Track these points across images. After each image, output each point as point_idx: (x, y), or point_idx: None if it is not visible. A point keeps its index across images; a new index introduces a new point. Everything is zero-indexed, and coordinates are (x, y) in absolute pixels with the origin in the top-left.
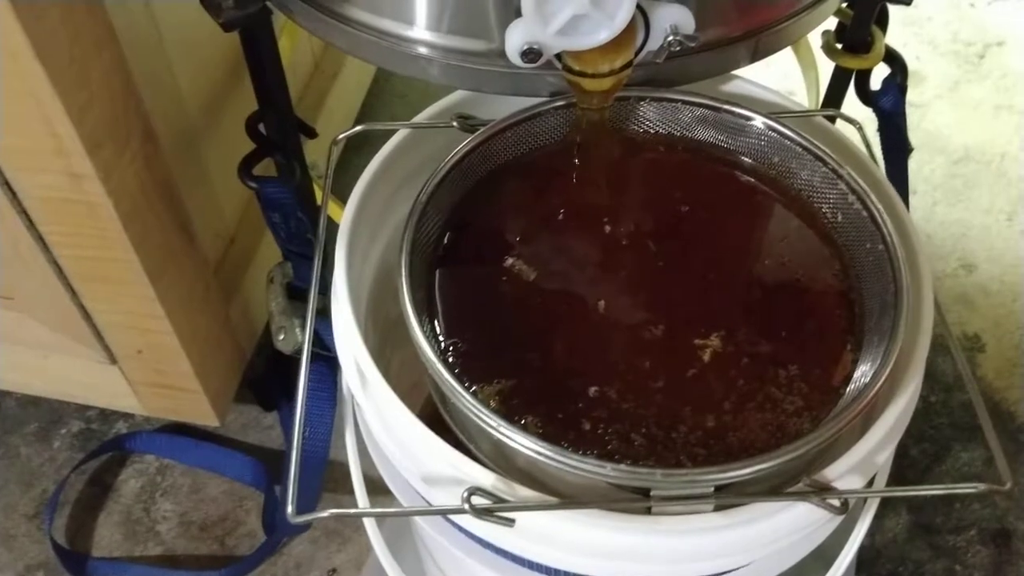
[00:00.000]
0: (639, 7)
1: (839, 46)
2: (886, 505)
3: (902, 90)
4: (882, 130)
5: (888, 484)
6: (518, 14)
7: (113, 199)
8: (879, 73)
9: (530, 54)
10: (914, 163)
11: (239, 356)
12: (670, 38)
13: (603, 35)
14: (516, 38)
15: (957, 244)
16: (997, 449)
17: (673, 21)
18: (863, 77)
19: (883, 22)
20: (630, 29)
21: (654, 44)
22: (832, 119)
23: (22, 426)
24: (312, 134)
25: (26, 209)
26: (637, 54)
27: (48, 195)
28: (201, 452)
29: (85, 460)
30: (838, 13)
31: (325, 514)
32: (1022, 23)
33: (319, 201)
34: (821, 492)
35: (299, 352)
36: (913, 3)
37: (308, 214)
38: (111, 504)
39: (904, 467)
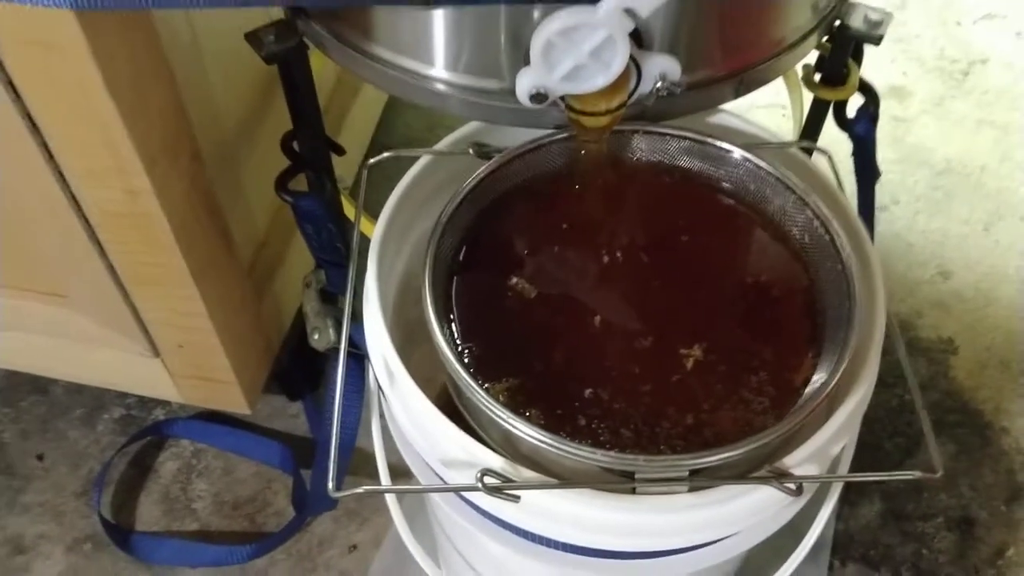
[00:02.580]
0: (632, 57)
1: (818, 78)
2: (861, 493)
3: (873, 119)
4: (855, 154)
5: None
6: (527, 62)
7: (165, 212)
8: (857, 99)
9: (537, 97)
10: (899, 175)
11: (268, 350)
12: (659, 84)
13: (600, 82)
14: (525, 83)
15: (936, 252)
16: (931, 440)
17: (662, 69)
18: (840, 105)
19: (858, 56)
20: (624, 76)
21: (645, 88)
22: (807, 149)
23: (69, 411)
24: (340, 151)
25: (88, 220)
26: (630, 97)
27: (109, 208)
28: (233, 437)
29: (128, 443)
30: (818, 46)
31: (360, 490)
32: (1005, 41)
33: (345, 211)
34: (780, 477)
35: (331, 349)
36: (904, 22)
37: (337, 225)
38: (151, 484)
39: (880, 459)
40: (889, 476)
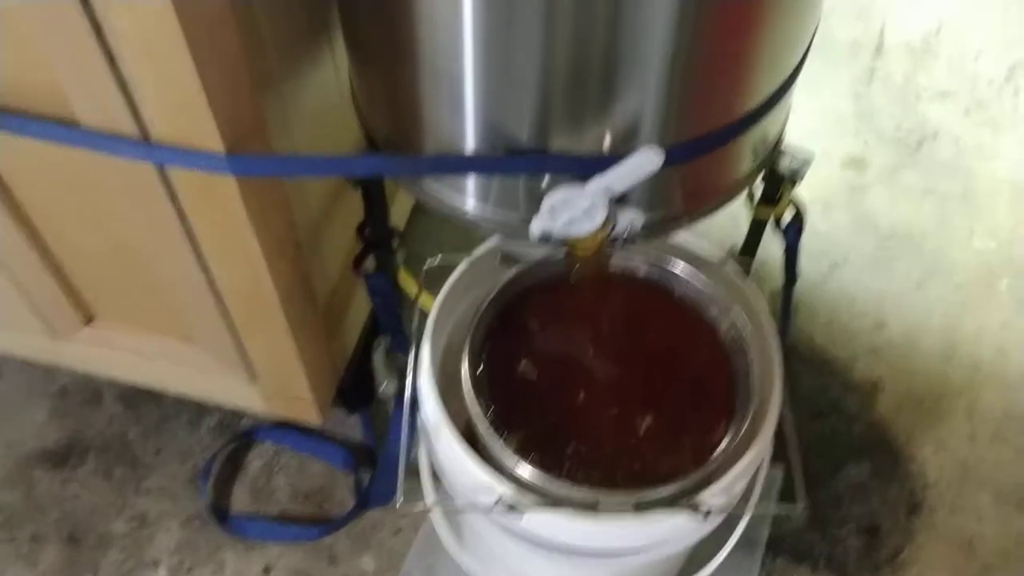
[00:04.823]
0: (610, 211)
1: (757, 195)
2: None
3: (799, 229)
4: (785, 254)
5: (788, 489)
6: (537, 211)
7: (277, 289)
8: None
9: (544, 236)
10: (851, 236)
11: (335, 375)
12: (628, 229)
13: (588, 229)
14: (535, 227)
15: (875, 306)
16: (799, 476)
17: (631, 219)
18: (778, 217)
19: (793, 181)
20: (605, 223)
21: (619, 230)
22: (742, 265)
23: (178, 416)
24: (401, 236)
25: (219, 292)
26: (609, 235)
27: (235, 286)
28: (306, 442)
29: (225, 445)
30: None
31: (420, 506)
32: (954, 118)
33: (401, 281)
34: (693, 507)
35: (396, 396)
36: (869, 96)
37: (398, 297)
38: (242, 476)
39: (808, 475)
40: (762, 511)
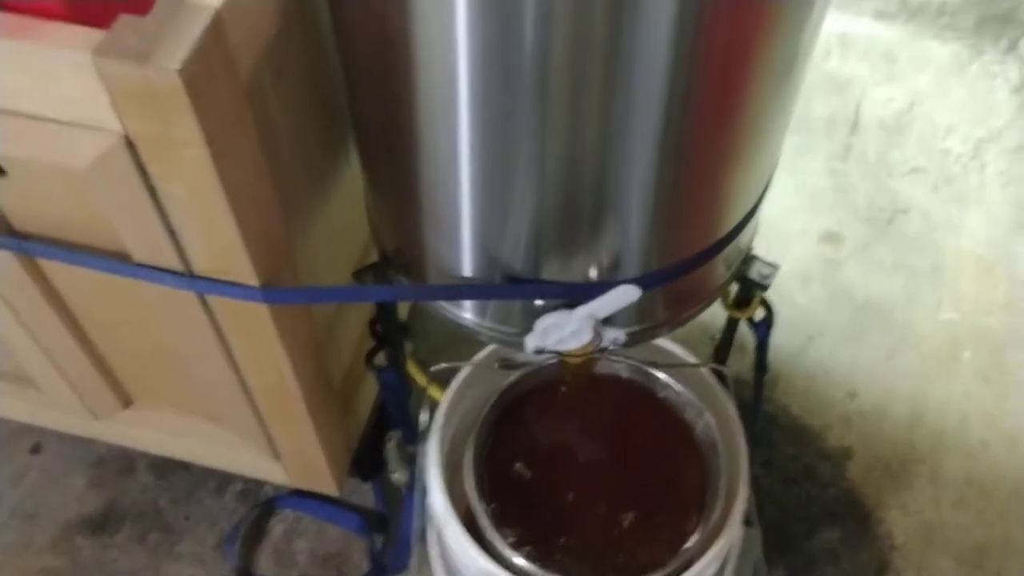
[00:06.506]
0: (595, 330)
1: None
2: (770, 565)
3: (768, 326)
4: (756, 350)
5: (766, 551)
6: (532, 330)
7: (300, 387)
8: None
9: (538, 351)
10: (829, 309)
11: (349, 448)
12: (611, 344)
13: (576, 345)
14: (530, 343)
15: (847, 376)
16: (762, 566)
17: (614, 336)
18: (749, 316)
19: (762, 286)
20: (592, 341)
21: (604, 344)
22: (715, 371)
23: (205, 484)
24: (408, 333)
25: (248, 389)
26: (595, 348)
27: (264, 384)
28: (324, 509)
29: (249, 512)
30: None
31: None
32: (924, 193)
33: (411, 371)
34: None
35: (407, 486)
36: (845, 173)
37: (407, 391)
38: (265, 540)
39: (785, 538)
40: None
